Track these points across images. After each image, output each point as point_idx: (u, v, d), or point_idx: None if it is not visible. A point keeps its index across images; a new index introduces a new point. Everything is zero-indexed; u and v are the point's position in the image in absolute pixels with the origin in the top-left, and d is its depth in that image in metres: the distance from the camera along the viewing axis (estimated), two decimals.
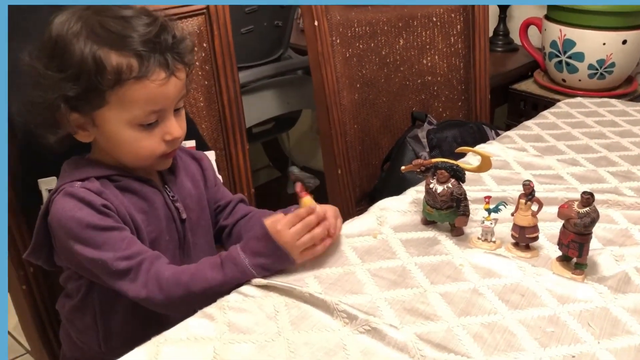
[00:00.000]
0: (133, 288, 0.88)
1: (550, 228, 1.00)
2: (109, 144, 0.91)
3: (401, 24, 1.68)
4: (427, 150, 1.46)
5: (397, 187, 1.48)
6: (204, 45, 1.39)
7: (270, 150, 2.80)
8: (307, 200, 0.91)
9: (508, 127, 2.07)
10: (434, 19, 1.71)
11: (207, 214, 1.04)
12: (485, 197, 0.97)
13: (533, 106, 1.94)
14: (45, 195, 1.04)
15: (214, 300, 0.87)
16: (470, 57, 1.74)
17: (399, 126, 1.70)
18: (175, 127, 0.91)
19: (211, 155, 1.44)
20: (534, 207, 0.93)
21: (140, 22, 0.86)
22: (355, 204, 1.67)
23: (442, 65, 1.74)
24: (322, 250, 0.91)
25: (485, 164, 0.98)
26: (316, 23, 1.52)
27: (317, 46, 1.53)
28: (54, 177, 0.98)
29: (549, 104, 1.88)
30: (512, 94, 1.98)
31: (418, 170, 1.02)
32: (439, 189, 0.97)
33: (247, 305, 0.84)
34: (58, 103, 0.86)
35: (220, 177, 1.45)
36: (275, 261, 0.87)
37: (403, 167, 1.03)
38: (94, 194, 0.88)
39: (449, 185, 0.97)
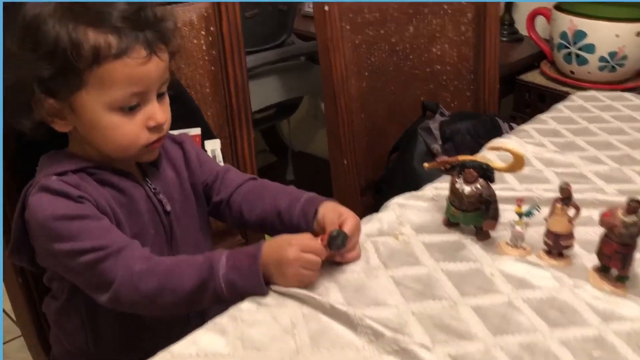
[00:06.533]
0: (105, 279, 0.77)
1: (582, 233, 0.89)
2: (89, 133, 0.81)
3: (411, 11, 1.55)
4: (440, 142, 1.34)
5: (406, 179, 1.37)
6: (211, 29, 1.26)
7: (267, 135, 2.68)
8: None
9: (513, 119, 1.96)
10: (445, 7, 1.58)
11: (192, 202, 0.94)
12: (518, 200, 0.85)
13: (540, 98, 1.82)
14: None
15: (187, 307, 0.78)
16: (480, 47, 1.61)
17: (407, 116, 1.58)
18: (159, 111, 0.81)
19: (216, 144, 1.32)
20: (571, 213, 0.82)
21: None
22: (360, 194, 1.55)
23: (451, 54, 1.61)
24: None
25: (518, 164, 0.87)
26: (326, 8, 1.38)
27: (326, 32, 1.40)
28: None
29: (556, 95, 1.77)
30: (518, 84, 1.86)
31: (442, 168, 0.90)
32: (466, 189, 0.86)
33: (262, 316, 0.73)
34: (32, 85, 0.76)
35: (223, 161, 1.34)
36: (248, 288, 0.75)
37: (426, 164, 0.91)
38: (71, 186, 0.79)
39: (478, 185, 0.85)
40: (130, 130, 0.80)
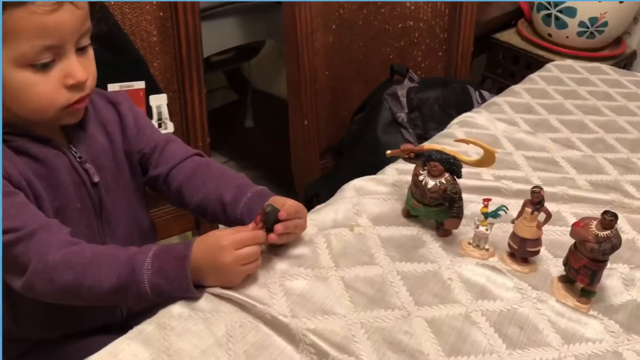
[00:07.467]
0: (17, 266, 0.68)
1: (549, 232, 0.83)
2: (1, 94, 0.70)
3: None
4: (406, 111, 1.25)
5: (367, 148, 1.29)
6: None
7: (229, 70, 2.52)
8: None
9: (484, 79, 1.88)
10: None
11: (125, 171, 0.84)
12: (484, 200, 0.79)
13: (514, 59, 1.74)
14: None
15: (108, 304, 0.72)
16: (457, 4, 1.51)
17: (375, 76, 1.48)
18: (78, 68, 0.70)
19: (162, 99, 1.21)
20: (541, 218, 0.75)
21: None
22: (320, 156, 1.47)
23: (426, 10, 1.50)
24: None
25: (488, 159, 0.79)
26: None
27: None
28: None
29: (531, 59, 1.70)
30: (493, 44, 1.77)
31: (406, 156, 0.82)
32: (430, 183, 0.78)
33: (194, 325, 0.66)
34: None
35: (171, 124, 1.23)
36: (176, 292, 0.68)
37: (389, 152, 0.83)
38: None
39: (443, 180, 0.78)
40: (46, 90, 0.69)
